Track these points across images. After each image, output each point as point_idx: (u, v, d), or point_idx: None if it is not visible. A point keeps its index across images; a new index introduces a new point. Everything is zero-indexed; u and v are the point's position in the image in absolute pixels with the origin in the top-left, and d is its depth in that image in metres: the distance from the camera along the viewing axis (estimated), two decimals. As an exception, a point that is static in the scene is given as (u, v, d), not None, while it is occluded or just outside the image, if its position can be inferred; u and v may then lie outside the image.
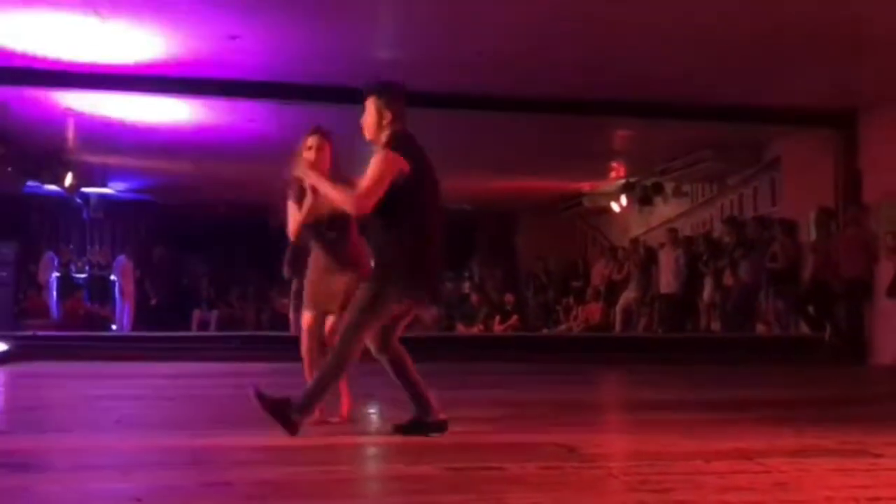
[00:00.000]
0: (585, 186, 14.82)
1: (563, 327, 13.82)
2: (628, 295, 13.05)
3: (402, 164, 3.84)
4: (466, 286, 14.97)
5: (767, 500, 2.82)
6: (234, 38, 7.38)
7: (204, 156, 11.92)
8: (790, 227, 10.12)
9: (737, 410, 5.29)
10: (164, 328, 11.23)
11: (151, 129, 10.38)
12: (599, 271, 14.24)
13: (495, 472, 3.21)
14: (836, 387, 7.33)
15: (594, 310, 13.52)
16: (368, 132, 4.03)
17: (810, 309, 9.76)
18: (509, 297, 13.73)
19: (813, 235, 9.94)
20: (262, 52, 7.88)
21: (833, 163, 9.80)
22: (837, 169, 9.74)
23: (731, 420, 4.81)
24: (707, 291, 11.48)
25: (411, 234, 3.92)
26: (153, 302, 13.42)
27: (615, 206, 14.47)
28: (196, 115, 9.97)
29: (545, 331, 13.74)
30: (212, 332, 12.62)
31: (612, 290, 13.50)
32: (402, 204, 3.86)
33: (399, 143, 3.93)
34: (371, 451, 3.95)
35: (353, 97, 8.72)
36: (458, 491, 2.94)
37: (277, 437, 4.02)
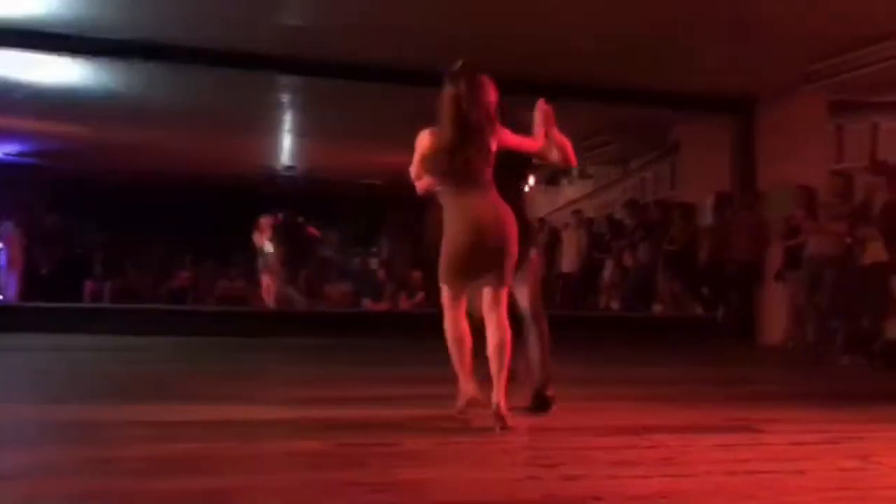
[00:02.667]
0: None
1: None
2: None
3: None
4: (374, 262, 14.88)
5: (653, 473, 2.89)
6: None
7: (101, 120, 11.41)
8: (688, 211, 10.43)
9: (629, 387, 5.43)
10: (55, 299, 10.72)
11: (43, 89, 9.85)
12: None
13: (389, 448, 3.19)
14: (726, 365, 7.62)
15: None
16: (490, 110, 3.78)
17: (704, 290, 10.11)
18: (416, 274, 13.71)
19: (709, 219, 10.28)
20: (161, 13, 7.55)
21: (730, 149, 10.12)
22: (734, 155, 10.06)
23: (623, 396, 4.92)
24: (607, 271, 11.76)
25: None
26: (43, 271, 12.81)
27: (525, 186, 14.61)
28: (92, 77, 9.51)
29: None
30: (104, 304, 12.14)
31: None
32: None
33: None
34: (263, 427, 3.87)
35: (255, 63, 8.64)
36: (349, 466, 2.91)
37: (165, 412, 3.90)
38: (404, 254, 15.57)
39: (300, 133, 12.99)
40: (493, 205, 3.70)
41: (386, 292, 13.33)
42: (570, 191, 14.22)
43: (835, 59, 7.84)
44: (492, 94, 3.79)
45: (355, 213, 16.70)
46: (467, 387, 3.80)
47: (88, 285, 13.18)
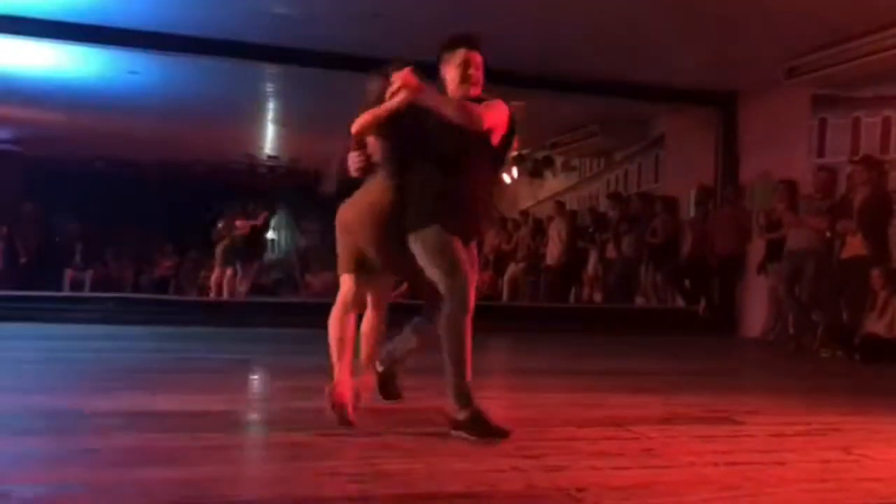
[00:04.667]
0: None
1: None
2: (516, 265, 13.25)
3: None
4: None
5: (634, 465, 2.90)
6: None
7: (79, 107, 11.28)
8: (671, 204, 10.47)
9: (612, 379, 5.45)
10: (35, 288, 10.62)
11: (17, 74, 9.72)
12: (489, 241, 14.38)
13: (372, 439, 3.18)
14: (707, 358, 7.67)
15: (483, 279, 13.66)
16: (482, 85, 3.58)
17: (686, 283, 10.16)
18: (400, 265, 13.69)
19: (692, 212, 10.32)
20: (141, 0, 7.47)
21: (713, 142, 10.16)
22: (717, 148, 10.10)
23: (606, 388, 4.94)
24: (591, 264, 11.79)
25: None
26: (23, 260, 12.69)
27: (506, 178, 14.61)
28: (71, 63, 9.39)
29: (434, 299, 13.77)
30: (85, 293, 12.05)
31: (500, 260, 13.67)
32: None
33: None
34: (245, 417, 3.85)
35: (241, 51, 8.55)
36: (332, 457, 2.90)
37: (147, 403, 3.88)
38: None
39: (284, 123, 12.92)
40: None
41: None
42: (553, 183, 14.23)
43: (817, 54, 7.87)
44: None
45: (339, 202, 16.65)
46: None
47: (69, 274, 13.08)
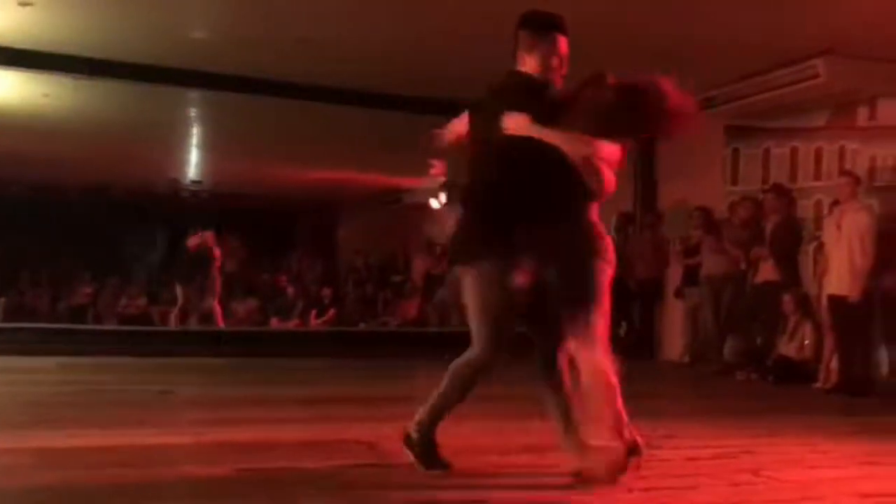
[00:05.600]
0: (407, 183, 14.97)
1: (380, 321, 13.88)
2: (445, 290, 13.31)
3: None
4: (283, 279, 14.68)
5: (553, 492, 2.95)
6: (25, 4, 6.78)
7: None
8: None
9: (533, 405, 5.48)
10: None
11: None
12: (419, 266, 14.42)
13: (291, 472, 3.16)
14: (627, 382, 7.76)
15: (412, 304, 13.67)
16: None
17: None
18: (327, 291, 13.60)
19: (612, 238, 10.55)
20: (65, 24, 7.29)
21: (632, 169, 10.42)
22: (636, 175, 10.37)
23: (530, 414, 4.98)
24: (516, 289, 11.91)
25: None
26: (-70, 288, 12.17)
27: (434, 204, 14.71)
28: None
29: (362, 325, 13.74)
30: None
31: (430, 285, 13.71)
32: None
33: None
34: (161, 452, 3.76)
35: (160, 76, 8.43)
36: (248, 493, 2.86)
37: (53, 439, 3.75)
38: (314, 270, 15.44)
39: (208, 147, 12.75)
40: None
41: (295, 310, 13.17)
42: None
43: (731, 86, 8.19)
44: None
45: (264, 228, 16.45)
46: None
47: (-19, 303, 12.57)
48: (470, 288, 3.14)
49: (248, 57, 7.98)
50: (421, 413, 3.22)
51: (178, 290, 11.25)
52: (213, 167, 14.17)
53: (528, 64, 3.16)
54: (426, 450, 3.18)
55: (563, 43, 3.17)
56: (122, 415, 4.67)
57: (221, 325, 10.97)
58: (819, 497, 3.05)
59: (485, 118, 3.15)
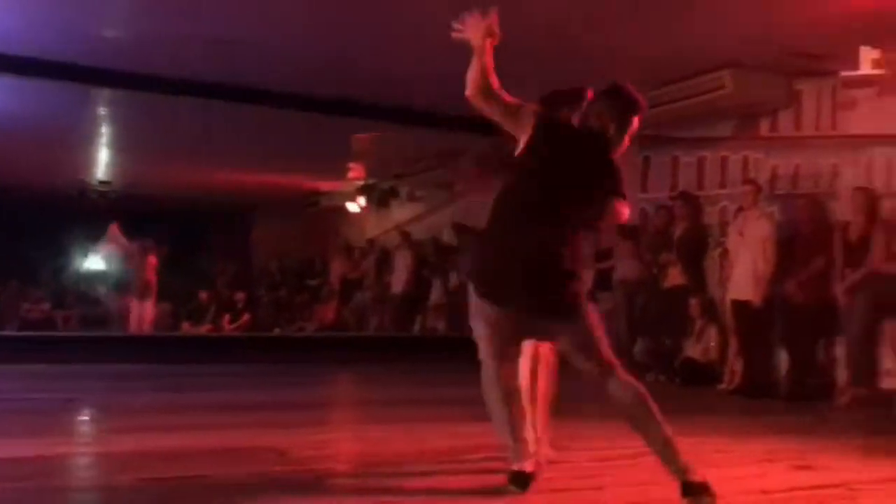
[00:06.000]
0: (325, 185, 14.84)
1: (296, 326, 13.72)
2: (363, 294, 13.25)
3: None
4: (195, 282, 14.35)
5: (462, 495, 2.96)
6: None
7: None
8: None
9: (449, 408, 5.52)
10: None
11: None
12: (336, 270, 14.32)
13: (198, 481, 3.08)
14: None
15: (329, 308, 13.56)
16: None
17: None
18: (241, 295, 13.36)
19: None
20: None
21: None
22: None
23: (442, 418, 5.01)
24: (435, 292, 11.96)
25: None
26: None
27: (353, 207, 14.63)
28: None
29: (277, 330, 13.55)
30: None
31: (347, 289, 13.63)
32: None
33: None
34: (60, 462, 3.62)
35: (68, 73, 8.13)
36: (154, 502, 2.78)
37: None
38: (228, 274, 15.15)
39: (118, 148, 12.35)
40: None
41: (208, 314, 12.88)
42: (400, 212, 14.37)
43: (643, 95, 8.40)
44: None
45: (176, 230, 16.04)
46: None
47: None
48: None
49: (160, 56, 7.77)
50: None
51: (102, 294, 10.92)
52: (124, 168, 13.74)
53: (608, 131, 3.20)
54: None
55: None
56: (25, 424, 4.48)
57: (151, 328, 10.74)
58: (720, 495, 3.15)
59: (579, 164, 3.12)
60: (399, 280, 12.20)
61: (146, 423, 4.59)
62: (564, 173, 3.06)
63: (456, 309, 11.31)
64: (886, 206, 6.67)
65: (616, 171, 3.15)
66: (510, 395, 3.11)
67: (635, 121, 3.24)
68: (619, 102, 3.23)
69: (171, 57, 7.78)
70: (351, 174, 13.77)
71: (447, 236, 12.56)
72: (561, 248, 3.00)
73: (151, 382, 7.00)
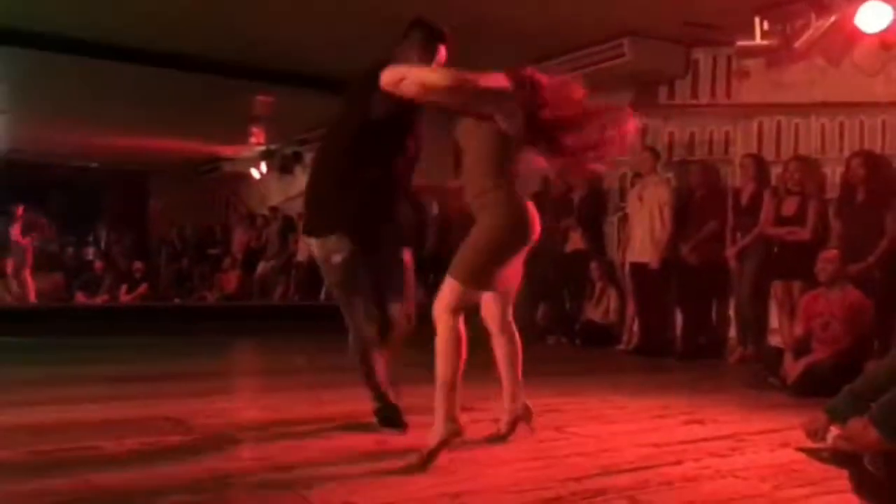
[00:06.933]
0: (226, 151, 14.43)
1: (197, 296, 13.39)
2: (266, 263, 13.02)
3: None
4: (90, 252, 13.81)
5: (364, 461, 2.96)
6: None
7: None
8: (417, 204, 10.80)
9: (352, 373, 5.50)
10: None
11: None
12: (238, 239, 14.01)
13: (88, 452, 2.98)
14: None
15: (231, 278, 13.28)
16: None
17: (430, 277, 10.52)
18: (138, 265, 12.93)
19: (435, 210, 10.73)
20: None
21: (454, 144, 10.60)
22: (456, 149, 10.56)
23: (347, 383, 4.98)
24: (340, 260, 11.85)
25: None
26: None
27: (255, 173, 14.31)
28: None
29: (178, 300, 13.19)
30: None
31: (250, 258, 13.36)
32: None
33: None
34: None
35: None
36: (41, 475, 2.67)
37: None
38: (124, 243, 14.62)
39: (3, 111, 11.68)
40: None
41: (104, 285, 12.43)
42: (303, 179, 14.13)
43: (543, 63, 8.45)
44: None
45: (68, 198, 15.36)
46: None
47: None
48: None
49: (49, 12, 7.35)
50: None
51: None
52: (10, 133, 13.02)
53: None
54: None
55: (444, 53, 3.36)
56: None
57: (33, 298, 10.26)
58: (616, 448, 3.26)
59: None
60: (304, 248, 12.03)
61: (39, 396, 4.40)
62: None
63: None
64: (775, 173, 6.96)
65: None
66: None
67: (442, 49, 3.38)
68: (419, 33, 3.39)
69: (60, 14, 7.37)
70: (252, 139, 13.43)
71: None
72: None
73: (44, 355, 6.70)
